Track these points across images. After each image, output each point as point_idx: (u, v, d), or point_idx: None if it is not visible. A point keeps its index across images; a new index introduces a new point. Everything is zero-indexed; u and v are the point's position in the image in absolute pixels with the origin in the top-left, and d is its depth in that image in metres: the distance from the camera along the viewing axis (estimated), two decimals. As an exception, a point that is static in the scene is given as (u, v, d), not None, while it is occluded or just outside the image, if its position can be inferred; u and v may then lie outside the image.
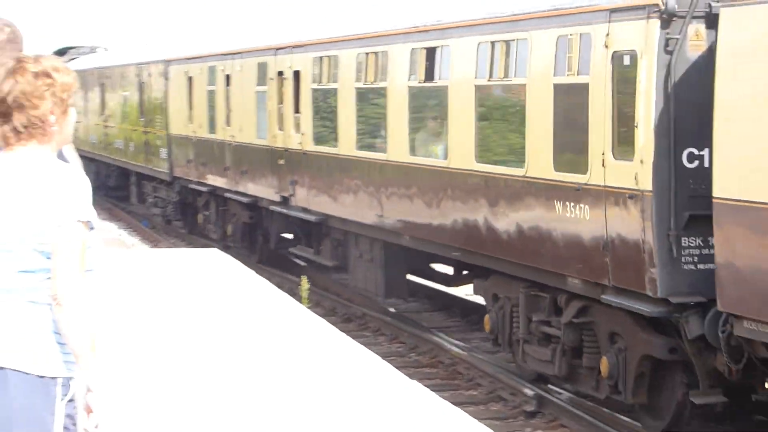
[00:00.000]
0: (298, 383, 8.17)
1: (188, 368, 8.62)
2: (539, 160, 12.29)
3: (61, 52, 46.22)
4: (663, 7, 10.38)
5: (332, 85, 17.81)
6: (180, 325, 10.02)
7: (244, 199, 22.46)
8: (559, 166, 11.97)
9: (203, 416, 7.43)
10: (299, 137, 19.15)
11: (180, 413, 7.48)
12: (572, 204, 11.73)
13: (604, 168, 11.17)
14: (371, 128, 16.70)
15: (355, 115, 16.97)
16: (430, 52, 14.74)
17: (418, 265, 17.90)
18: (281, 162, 20.05)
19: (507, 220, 13.01)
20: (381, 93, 16.13)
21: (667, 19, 10.39)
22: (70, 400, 4.37)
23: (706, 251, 10.54)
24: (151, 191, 31.07)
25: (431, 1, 15.84)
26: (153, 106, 29.16)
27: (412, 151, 15.30)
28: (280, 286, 13.70)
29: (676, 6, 10.37)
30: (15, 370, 4.33)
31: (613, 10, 11.06)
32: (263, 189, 21.13)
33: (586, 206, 11.52)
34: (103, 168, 37.34)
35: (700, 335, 10.43)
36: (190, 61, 25.66)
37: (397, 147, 15.67)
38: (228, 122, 22.99)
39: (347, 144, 17.27)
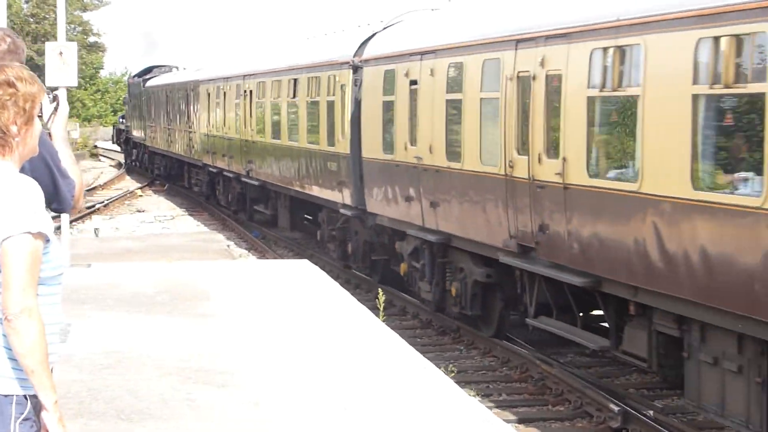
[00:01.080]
0: (356, 396, 8.33)
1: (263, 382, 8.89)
2: (324, 142, 23.14)
3: (148, 70, 57.94)
4: (352, 63, 21.19)
5: (263, 99, 28.82)
6: (258, 337, 10.39)
7: (232, 176, 33.53)
8: (329, 144, 22.78)
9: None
10: (251, 132, 30.18)
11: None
12: (333, 163, 22.56)
13: (339, 143, 21.99)
14: (276, 125, 27.63)
15: (270, 117, 27.98)
16: (293, 81, 25.64)
17: (315, 209, 28.81)
18: (245, 149, 31.10)
19: (320, 178, 23.79)
20: (279, 104, 27.09)
21: (355, 69, 21.19)
22: (26, 419, 4.20)
23: (376, 183, 21.26)
24: (194, 175, 42.45)
25: (292, 50, 26.76)
26: (193, 113, 40.47)
27: (289, 138, 26.20)
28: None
29: (359, 63, 21.15)
30: None
31: (340, 64, 21.88)
32: (239, 167, 32.19)
33: (336, 163, 22.33)
34: (168, 161, 48.98)
35: (373, 224, 21.13)
36: (209, 82, 36.91)
37: (284, 136, 26.59)
38: (224, 123, 34.14)
39: (268, 134, 28.25)
